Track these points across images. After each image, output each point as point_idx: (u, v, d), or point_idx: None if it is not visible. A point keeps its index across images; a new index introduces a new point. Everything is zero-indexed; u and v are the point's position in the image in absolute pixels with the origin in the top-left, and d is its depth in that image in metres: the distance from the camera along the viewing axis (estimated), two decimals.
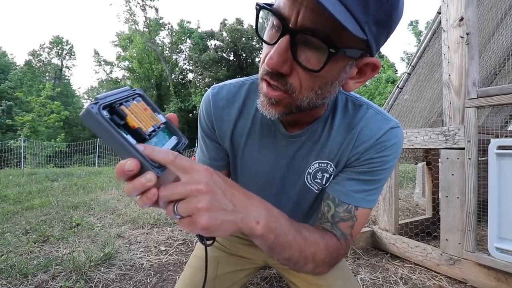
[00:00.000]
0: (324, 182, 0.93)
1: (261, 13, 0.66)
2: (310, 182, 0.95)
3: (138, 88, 0.59)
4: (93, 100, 0.49)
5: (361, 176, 0.87)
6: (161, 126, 0.58)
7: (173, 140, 0.62)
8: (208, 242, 0.64)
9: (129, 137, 0.50)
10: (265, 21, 0.70)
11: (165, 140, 0.60)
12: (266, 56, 0.67)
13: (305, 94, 0.68)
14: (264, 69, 0.67)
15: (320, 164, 0.92)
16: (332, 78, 0.67)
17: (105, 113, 0.48)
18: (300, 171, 0.94)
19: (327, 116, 0.89)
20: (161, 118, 0.60)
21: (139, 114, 0.54)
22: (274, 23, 0.65)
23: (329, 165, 0.91)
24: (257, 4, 0.64)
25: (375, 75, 0.73)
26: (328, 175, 0.92)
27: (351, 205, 0.86)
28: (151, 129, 0.55)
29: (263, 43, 0.69)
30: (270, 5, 0.64)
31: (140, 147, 0.50)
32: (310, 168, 0.93)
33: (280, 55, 0.61)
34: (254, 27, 0.72)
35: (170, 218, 3.75)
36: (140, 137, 0.52)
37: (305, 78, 0.65)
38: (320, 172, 0.93)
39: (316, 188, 0.95)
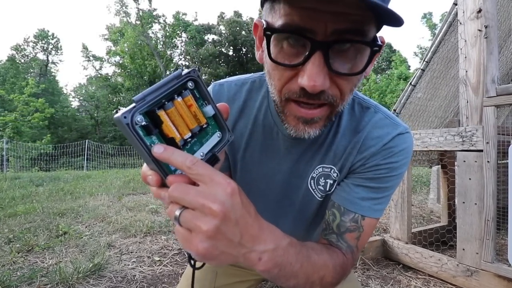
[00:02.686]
0: (327, 189, 0.94)
1: (274, 38, 0.64)
2: (313, 187, 0.95)
3: (193, 69, 0.57)
4: (131, 102, 0.50)
5: (368, 182, 0.87)
6: (204, 126, 0.58)
7: (215, 138, 0.62)
8: (197, 265, 0.64)
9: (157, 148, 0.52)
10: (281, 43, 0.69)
11: (206, 138, 0.60)
12: (288, 80, 0.66)
13: (345, 98, 0.68)
14: (295, 92, 0.66)
15: (324, 169, 0.92)
16: (366, 73, 0.67)
17: (139, 119, 0.49)
18: (304, 176, 0.94)
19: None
20: (208, 111, 0.59)
21: (179, 116, 0.54)
22: (289, 42, 0.63)
23: (332, 170, 0.91)
24: (267, 31, 0.63)
25: (381, 52, 0.72)
26: (331, 181, 0.93)
27: (358, 214, 0.86)
28: (188, 135, 0.55)
29: (276, 67, 0.66)
30: (274, 27, 0.63)
31: (160, 148, 0.50)
32: (314, 173, 0.93)
33: (320, 74, 0.60)
34: (259, 42, 0.73)
35: (164, 226, 3.76)
36: (174, 146, 0.53)
37: (343, 84, 0.65)
38: (323, 178, 0.93)
39: (319, 195, 0.95)
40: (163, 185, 0.53)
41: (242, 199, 0.51)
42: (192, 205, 0.48)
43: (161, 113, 0.51)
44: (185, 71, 0.57)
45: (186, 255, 0.60)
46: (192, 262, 0.63)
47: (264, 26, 0.64)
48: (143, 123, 0.50)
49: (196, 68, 0.58)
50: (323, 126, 0.72)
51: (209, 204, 0.47)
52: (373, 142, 0.86)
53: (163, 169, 0.52)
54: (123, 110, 0.48)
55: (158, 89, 0.52)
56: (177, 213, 0.49)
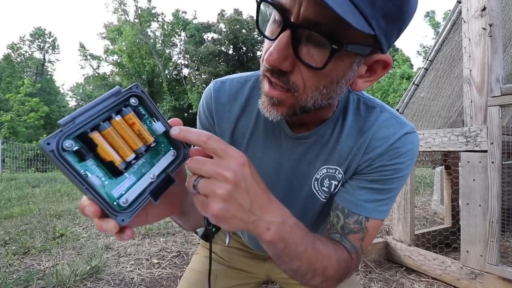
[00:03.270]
0: (331, 190, 0.93)
1: (261, 6, 0.67)
2: (317, 189, 0.95)
3: (135, 84, 0.56)
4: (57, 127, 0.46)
5: (373, 184, 0.87)
6: (152, 145, 0.56)
7: (169, 157, 0.60)
8: (214, 229, 0.66)
9: (92, 177, 0.48)
10: (267, 14, 0.70)
11: (158, 158, 0.58)
12: (267, 52, 0.67)
13: (309, 93, 0.68)
14: (265, 65, 0.68)
15: (328, 170, 0.92)
16: (338, 76, 0.67)
17: (67, 144, 0.46)
18: (307, 176, 0.94)
19: (337, 118, 0.89)
20: (158, 128, 0.57)
21: (119, 137, 0.51)
22: (276, 17, 0.65)
23: (337, 171, 0.91)
24: None
25: (387, 73, 0.73)
26: (336, 182, 0.92)
27: (362, 216, 0.86)
28: (131, 156, 0.52)
29: (265, 38, 0.69)
30: None
31: (176, 129, 0.55)
32: (318, 174, 0.93)
33: (281, 51, 0.62)
34: (254, 18, 0.72)
35: (163, 228, 3.76)
36: (113, 171, 0.51)
37: (308, 76, 0.65)
38: (327, 179, 0.93)
39: (323, 196, 0.95)
40: (104, 215, 0.50)
41: (252, 172, 0.58)
42: (208, 173, 0.54)
43: (94, 135, 0.48)
44: (127, 87, 0.54)
45: (204, 220, 0.63)
46: (209, 226, 0.66)
47: None
48: (74, 148, 0.46)
49: (139, 83, 0.56)
50: (285, 114, 0.72)
51: (223, 172, 0.53)
52: (379, 143, 0.85)
53: (103, 199, 0.48)
54: (45, 137, 0.45)
55: (91, 109, 0.49)
56: (195, 182, 0.55)
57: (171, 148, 0.61)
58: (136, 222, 0.58)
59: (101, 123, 0.49)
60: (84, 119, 0.47)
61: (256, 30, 0.64)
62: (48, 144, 0.44)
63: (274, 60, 0.62)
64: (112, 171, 0.51)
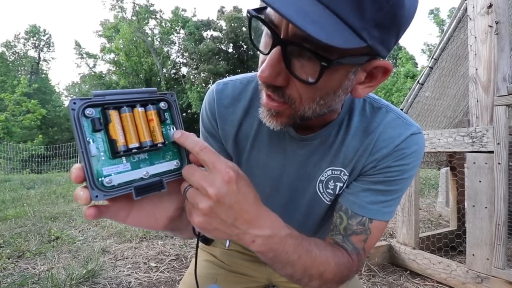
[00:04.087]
0: (336, 192, 0.94)
1: (253, 21, 0.68)
2: (321, 191, 0.95)
3: (172, 92, 0.61)
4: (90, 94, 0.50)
5: (377, 186, 0.87)
6: (158, 145, 0.58)
7: (171, 165, 0.61)
8: (201, 234, 0.68)
9: (92, 146, 0.51)
10: (259, 28, 0.71)
11: (160, 161, 0.60)
12: (261, 65, 0.69)
13: (306, 105, 0.69)
14: (260, 80, 0.69)
15: (333, 172, 0.92)
16: (334, 87, 0.67)
17: (89, 111, 0.50)
18: (311, 178, 0.95)
19: (342, 119, 0.89)
20: (172, 135, 0.60)
21: (133, 124, 0.55)
22: (267, 32, 0.66)
23: (342, 172, 0.91)
24: (248, 12, 0.66)
25: (387, 78, 0.73)
26: (341, 184, 0.93)
27: (365, 217, 0.86)
28: (134, 145, 0.55)
29: (258, 52, 0.71)
30: (263, 9, 0.66)
31: (178, 133, 0.59)
32: (323, 176, 0.93)
33: (272, 67, 0.63)
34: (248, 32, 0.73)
35: (161, 231, 3.75)
36: (113, 150, 0.53)
37: (303, 89, 0.66)
38: (332, 181, 0.93)
39: (328, 199, 0.95)
40: (86, 186, 0.51)
41: (239, 188, 0.58)
42: (195, 185, 0.57)
43: (112, 113, 0.53)
44: (163, 92, 0.59)
45: (192, 227, 0.66)
46: (196, 232, 0.70)
47: (251, 9, 0.66)
48: (93, 116, 0.51)
49: (175, 93, 0.61)
50: (286, 123, 0.73)
51: (206, 187, 0.55)
52: (385, 144, 0.86)
53: (90, 168, 0.51)
54: (77, 97, 0.50)
55: (123, 94, 0.54)
56: (186, 188, 0.59)
57: (177, 159, 0.62)
58: (114, 215, 0.58)
59: (124, 106, 0.54)
60: (113, 98, 0.53)
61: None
62: (74, 103, 0.49)
63: (266, 78, 0.64)
64: (112, 150, 0.53)
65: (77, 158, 18.53)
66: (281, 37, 0.61)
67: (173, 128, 0.61)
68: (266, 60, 0.64)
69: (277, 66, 0.63)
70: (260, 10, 0.67)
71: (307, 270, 0.72)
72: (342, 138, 0.89)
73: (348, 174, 0.91)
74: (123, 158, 0.55)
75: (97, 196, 0.51)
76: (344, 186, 0.93)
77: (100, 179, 0.52)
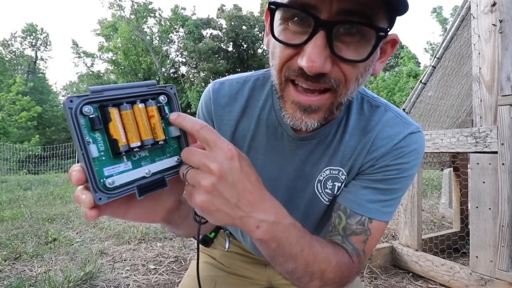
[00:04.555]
0: (334, 192, 0.94)
1: (277, 13, 0.67)
2: (320, 191, 0.95)
3: (171, 85, 0.60)
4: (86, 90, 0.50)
5: (376, 184, 0.87)
6: (160, 142, 0.58)
7: (171, 161, 0.61)
8: (203, 220, 0.67)
9: (92, 147, 0.50)
10: (280, 18, 0.68)
11: (161, 158, 0.60)
12: (288, 58, 0.67)
13: (349, 86, 0.68)
14: (294, 70, 0.67)
15: (332, 171, 0.92)
16: (370, 62, 0.68)
17: (87, 109, 0.49)
18: (310, 178, 0.95)
19: (341, 118, 0.90)
20: (173, 131, 0.60)
21: (134, 122, 0.54)
22: (293, 19, 0.64)
23: (340, 172, 0.92)
24: (271, 4, 0.64)
25: (394, 52, 0.74)
26: (339, 184, 0.93)
27: (365, 216, 0.86)
28: (136, 144, 0.54)
29: (279, 45, 0.68)
30: (279, 2, 0.65)
31: (174, 114, 0.58)
32: (321, 175, 0.93)
33: (321, 55, 0.61)
34: (269, 27, 0.69)
35: (160, 233, 3.76)
36: (114, 150, 0.53)
37: (348, 69, 0.65)
38: (330, 181, 0.93)
39: (326, 199, 0.96)
40: (86, 187, 0.51)
41: (242, 166, 0.58)
42: (196, 164, 0.56)
43: (112, 111, 0.52)
44: (162, 85, 0.58)
45: (192, 213, 0.66)
46: (197, 217, 0.68)
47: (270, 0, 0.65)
48: (92, 115, 0.50)
49: (174, 86, 0.60)
50: (322, 118, 0.72)
51: (208, 164, 0.55)
52: (383, 142, 0.86)
53: (92, 170, 0.50)
54: (74, 95, 0.49)
55: (121, 89, 0.53)
56: (184, 171, 0.58)
57: (178, 155, 0.62)
58: (113, 212, 0.58)
59: (124, 103, 0.53)
60: (111, 94, 0.52)
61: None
62: (71, 101, 0.48)
63: (318, 67, 0.61)
64: (114, 150, 0.53)
65: (75, 158, 18.52)
66: (322, 18, 0.60)
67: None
68: (308, 49, 0.61)
69: (324, 52, 0.61)
70: (281, 2, 0.65)
71: (308, 267, 0.71)
72: (340, 137, 0.90)
73: (346, 174, 0.91)
74: (124, 157, 0.55)
75: (100, 199, 0.51)
76: (342, 186, 0.93)
77: (102, 180, 0.52)
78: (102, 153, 0.52)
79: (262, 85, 0.95)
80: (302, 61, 0.62)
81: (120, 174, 0.54)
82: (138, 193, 0.55)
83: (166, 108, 0.59)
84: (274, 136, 0.93)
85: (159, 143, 0.57)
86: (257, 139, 0.95)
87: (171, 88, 0.59)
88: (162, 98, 0.58)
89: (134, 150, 0.54)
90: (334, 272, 0.76)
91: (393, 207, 0.89)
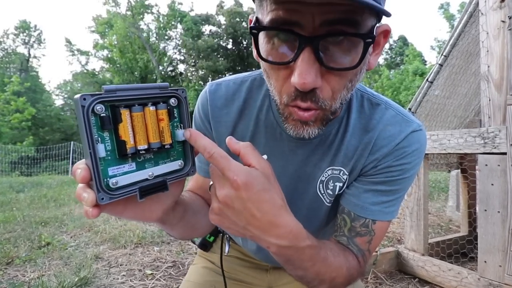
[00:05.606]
0: (335, 193, 0.95)
1: (260, 36, 0.68)
2: (322, 192, 0.96)
3: (183, 88, 0.61)
4: (101, 89, 0.51)
5: (379, 186, 0.89)
6: (166, 146, 0.60)
7: (175, 165, 0.64)
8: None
9: (100, 146, 0.52)
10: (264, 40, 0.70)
11: (165, 161, 0.62)
12: (284, 80, 0.68)
13: (337, 97, 0.70)
14: (291, 95, 0.68)
15: (333, 171, 0.93)
16: (362, 65, 0.68)
17: (99, 108, 0.50)
18: (312, 179, 0.95)
19: (341, 117, 0.90)
20: (180, 135, 0.62)
21: (143, 125, 0.56)
22: (278, 38, 0.66)
23: (341, 172, 0.93)
24: (253, 29, 0.66)
25: (388, 41, 0.76)
26: (340, 184, 0.94)
27: (368, 219, 0.88)
28: (143, 147, 0.56)
29: (270, 66, 0.70)
30: (261, 24, 0.67)
31: (187, 133, 0.60)
32: (323, 176, 0.94)
33: (311, 71, 0.62)
34: (255, 49, 0.71)
35: (157, 237, 3.76)
36: (120, 151, 0.54)
37: (335, 80, 0.67)
38: (332, 181, 0.94)
39: (328, 200, 0.96)
40: (89, 185, 0.53)
41: (249, 195, 0.58)
42: (214, 183, 0.62)
43: (124, 112, 0.53)
44: (174, 88, 0.60)
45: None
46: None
47: (251, 25, 0.67)
48: (103, 114, 0.51)
49: (186, 89, 0.61)
50: (321, 125, 0.74)
51: (216, 191, 0.61)
52: (385, 142, 0.87)
53: (98, 170, 0.51)
54: (87, 93, 0.50)
55: (134, 89, 0.54)
56: (210, 184, 0.65)
57: (181, 159, 0.65)
58: (112, 210, 0.59)
59: (136, 105, 0.55)
60: (124, 94, 0.53)
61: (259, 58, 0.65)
62: (84, 99, 0.49)
63: (310, 83, 0.62)
64: (120, 151, 0.54)
65: (69, 160, 18.54)
66: (306, 34, 0.61)
67: (181, 127, 0.62)
68: (298, 67, 0.62)
69: (314, 66, 0.62)
70: (259, 24, 0.67)
71: (319, 275, 0.74)
72: (341, 136, 0.91)
73: (347, 174, 0.93)
74: (129, 158, 0.56)
75: (103, 199, 0.52)
76: (344, 186, 0.94)
77: (105, 180, 0.53)
78: (109, 153, 0.53)
79: (260, 85, 0.96)
80: (295, 79, 0.63)
81: (124, 175, 0.56)
82: (139, 195, 0.56)
83: (175, 112, 0.61)
84: (273, 136, 0.94)
85: (165, 147, 0.59)
86: (256, 140, 0.96)
87: (182, 92, 0.61)
88: (172, 101, 0.60)
89: (140, 152, 0.56)
90: (344, 277, 0.80)
91: (395, 206, 0.91)
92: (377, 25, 0.68)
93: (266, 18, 0.64)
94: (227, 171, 0.58)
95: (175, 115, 0.61)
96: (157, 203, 0.66)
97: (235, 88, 0.97)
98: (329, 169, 0.93)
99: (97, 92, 0.50)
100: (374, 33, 0.63)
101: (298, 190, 0.98)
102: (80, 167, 0.52)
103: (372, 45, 0.64)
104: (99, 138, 0.52)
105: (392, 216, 0.90)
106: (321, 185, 0.95)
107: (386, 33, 0.73)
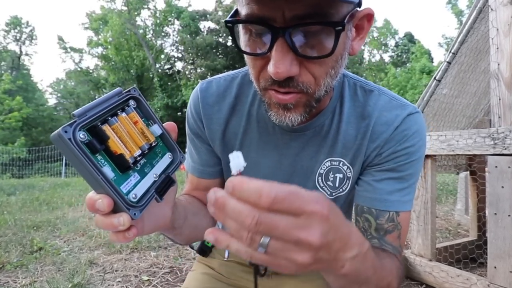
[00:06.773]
0: (336, 185, 0.96)
1: (235, 29, 0.72)
2: (322, 185, 0.97)
3: (133, 87, 0.62)
4: (71, 118, 0.51)
5: (389, 173, 0.91)
6: (153, 144, 0.61)
7: (166, 159, 0.66)
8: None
9: (106, 169, 0.52)
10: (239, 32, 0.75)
11: (156, 160, 0.64)
12: (261, 68, 0.73)
13: (320, 83, 0.72)
14: (268, 80, 0.72)
15: (332, 162, 0.95)
16: (341, 51, 0.72)
17: (82, 135, 0.49)
18: (309, 173, 0.97)
19: (334, 106, 0.93)
20: (155, 130, 0.63)
21: (126, 133, 0.56)
22: (254, 30, 0.70)
23: (341, 162, 0.94)
24: (227, 22, 0.69)
25: (372, 24, 0.80)
26: (341, 176, 0.95)
27: (392, 211, 0.89)
28: (137, 152, 0.57)
29: (248, 56, 0.74)
30: (234, 17, 0.71)
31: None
32: (321, 168, 0.96)
33: (285, 61, 0.65)
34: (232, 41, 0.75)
35: (154, 241, 3.76)
36: (123, 165, 0.55)
37: (315, 67, 0.70)
38: (332, 173, 0.96)
39: (329, 192, 0.97)
40: (114, 210, 0.53)
41: (338, 220, 0.50)
42: (286, 237, 0.46)
43: (106, 127, 0.53)
44: (126, 89, 0.61)
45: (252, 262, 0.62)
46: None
47: (227, 18, 0.70)
48: (86, 140, 0.50)
49: (135, 86, 0.63)
50: (303, 112, 0.76)
51: (307, 238, 0.46)
52: (383, 128, 0.90)
53: (117, 191, 0.51)
54: (61, 127, 0.48)
55: (99, 104, 0.54)
56: (265, 240, 0.46)
57: (168, 151, 0.67)
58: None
59: (110, 118, 0.55)
60: (94, 113, 0.52)
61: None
62: (66, 132, 0.47)
63: (283, 72, 0.65)
64: (120, 165, 0.55)
65: (62, 161, 18.54)
66: (278, 26, 0.64)
67: (150, 123, 0.63)
68: (272, 57, 0.66)
69: (287, 56, 0.65)
70: (236, 16, 0.71)
71: (379, 283, 0.71)
72: (336, 126, 0.93)
73: (348, 164, 0.94)
74: (130, 170, 0.57)
75: (135, 214, 0.53)
76: (347, 179, 0.96)
77: (127, 197, 0.54)
78: (113, 173, 0.54)
79: (251, 81, 0.97)
80: (269, 68, 0.67)
81: (136, 186, 0.57)
82: (159, 196, 0.60)
83: (139, 111, 0.63)
84: (265, 131, 0.96)
85: (152, 145, 0.61)
86: (248, 135, 0.98)
87: (134, 90, 0.62)
88: (132, 102, 0.61)
89: (137, 159, 0.57)
90: (396, 281, 0.79)
91: (411, 194, 0.93)
92: (358, 9, 0.72)
93: (242, 11, 0.68)
94: (307, 205, 0.46)
95: (141, 114, 0.62)
96: (162, 203, 0.67)
97: (226, 85, 1.00)
98: (327, 161, 0.95)
99: (71, 121, 0.49)
100: (346, 21, 0.65)
101: (296, 184, 0.98)
102: (97, 198, 0.51)
103: (343, 32, 0.66)
104: (100, 163, 0.52)
105: (410, 206, 0.92)
106: (320, 178, 0.97)
107: (370, 16, 0.76)
